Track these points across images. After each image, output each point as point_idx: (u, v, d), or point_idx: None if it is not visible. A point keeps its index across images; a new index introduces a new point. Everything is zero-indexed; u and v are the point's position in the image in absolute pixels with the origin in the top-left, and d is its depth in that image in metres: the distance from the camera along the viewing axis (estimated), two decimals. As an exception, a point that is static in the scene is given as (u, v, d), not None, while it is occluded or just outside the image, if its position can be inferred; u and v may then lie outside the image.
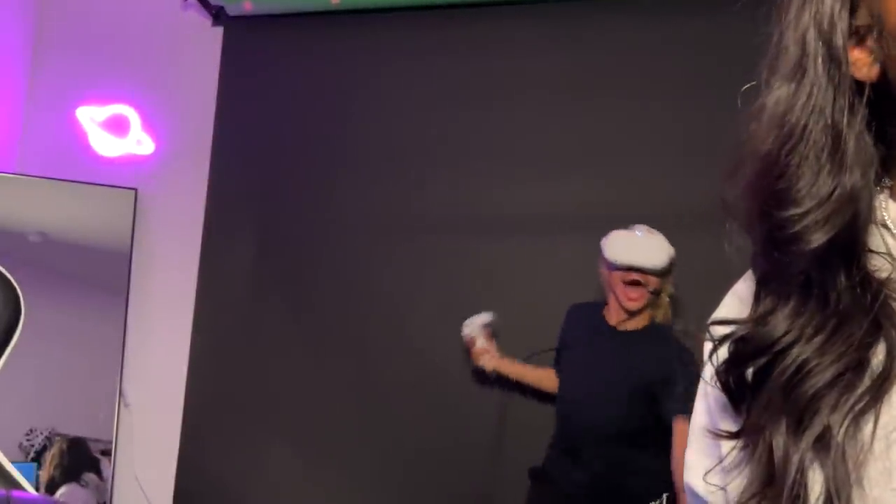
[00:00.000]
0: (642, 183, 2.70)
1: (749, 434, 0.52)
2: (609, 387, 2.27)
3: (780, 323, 0.50)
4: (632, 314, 2.30)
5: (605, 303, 2.42)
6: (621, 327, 2.33)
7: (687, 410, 2.07)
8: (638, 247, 2.27)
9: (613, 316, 2.35)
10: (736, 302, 0.59)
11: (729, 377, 0.53)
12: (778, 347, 0.49)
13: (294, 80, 3.16)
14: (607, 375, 2.29)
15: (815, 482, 0.47)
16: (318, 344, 2.97)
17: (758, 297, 0.53)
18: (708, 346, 0.59)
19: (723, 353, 0.54)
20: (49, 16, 3.47)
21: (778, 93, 0.52)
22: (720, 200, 0.55)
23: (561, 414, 2.42)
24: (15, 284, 1.39)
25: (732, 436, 0.53)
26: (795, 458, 0.48)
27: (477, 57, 2.96)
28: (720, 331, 0.55)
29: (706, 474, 0.58)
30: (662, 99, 2.75)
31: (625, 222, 2.48)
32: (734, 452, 0.54)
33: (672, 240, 2.37)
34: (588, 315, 2.45)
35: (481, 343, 2.60)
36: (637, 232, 2.31)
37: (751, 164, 0.52)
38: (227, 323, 3.08)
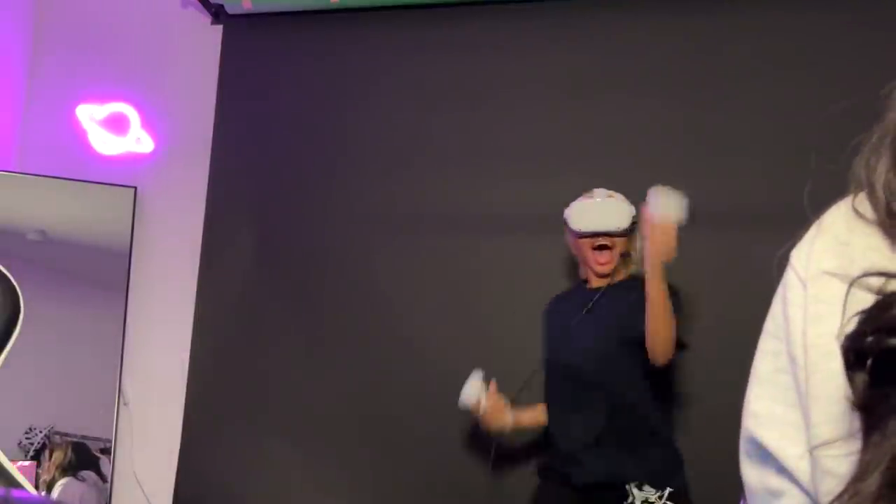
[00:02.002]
0: (643, 182, 2.69)
1: (873, 418, 0.45)
2: (590, 335, 2.28)
3: None
4: (605, 277, 2.35)
5: (582, 280, 2.46)
6: (595, 286, 2.37)
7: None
8: (600, 212, 2.32)
9: (591, 282, 2.39)
10: (837, 246, 0.52)
11: (858, 344, 0.45)
12: None
13: (293, 79, 3.15)
14: (586, 327, 2.30)
15: None
16: (318, 342, 2.97)
17: None
18: (800, 295, 0.53)
19: (856, 316, 0.46)
20: (48, 14, 3.47)
21: None
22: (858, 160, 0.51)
23: (549, 374, 2.40)
24: (14, 283, 1.38)
25: (859, 408, 0.46)
26: None
27: (477, 56, 2.96)
28: (877, 284, 0.46)
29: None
30: (664, 98, 2.75)
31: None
32: (832, 422, 0.48)
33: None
34: (567, 292, 2.50)
35: (488, 402, 2.39)
36: (597, 198, 2.36)
37: None
38: (226, 320, 3.08)
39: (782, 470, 0.53)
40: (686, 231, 2.36)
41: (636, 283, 2.27)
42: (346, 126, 3.07)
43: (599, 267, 2.33)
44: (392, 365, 2.87)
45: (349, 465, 2.86)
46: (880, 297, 0.45)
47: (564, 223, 2.40)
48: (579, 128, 2.81)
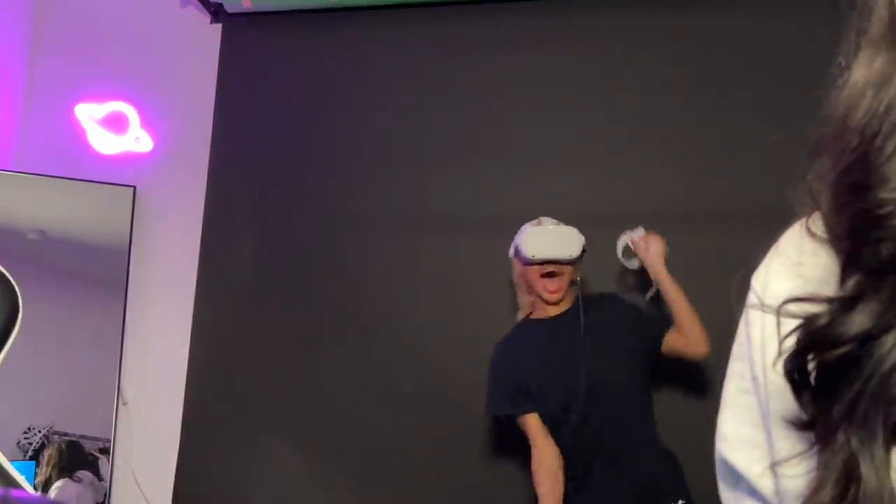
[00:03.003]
0: (644, 181, 2.69)
1: (822, 434, 0.46)
2: (608, 354, 2.24)
3: (867, 314, 0.44)
4: (553, 305, 2.33)
5: (519, 322, 2.42)
6: (552, 314, 2.33)
7: (670, 324, 2.13)
8: (552, 240, 2.32)
9: (539, 312, 2.36)
10: (791, 267, 0.54)
11: (797, 365, 0.47)
12: (864, 338, 0.44)
13: (292, 78, 3.15)
14: (580, 354, 2.24)
15: None
16: (317, 341, 2.96)
17: (843, 278, 0.47)
18: (758, 316, 0.55)
19: (791, 338, 0.47)
20: (48, 13, 3.47)
21: (871, 63, 0.47)
22: (804, 182, 0.51)
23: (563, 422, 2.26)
24: (13, 282, 1.38)
25: (804, 426, 0.48)
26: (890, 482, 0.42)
27: (476, 54, 2.96)
28: (796, 310, 0.48)
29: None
30: (663, 97, 2.74)
31: (625, 220, 2.48)
32: (790, 441, 0.50)
33: (669, 238, 2.36)
34: (521, 335, 2.39)
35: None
36: (548, 225, 2.35)
37: (839, 141, 0.47)
38: (226, 320, 3.07)
39: (753, 491, 0.54)
40: (687, 231, 2.36)
41: (594, 300, 2.33)
42: (346, 125, 3.06)
43: (548, 294, 2.30)
44: (392, 364, 2.87)
45: (349, 465, 2.86)
46: (803, 320, 0.47)
47: (514, 251, 2.37)
48: (583, 128, 2.81)
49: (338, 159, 3.05)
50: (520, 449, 2.64)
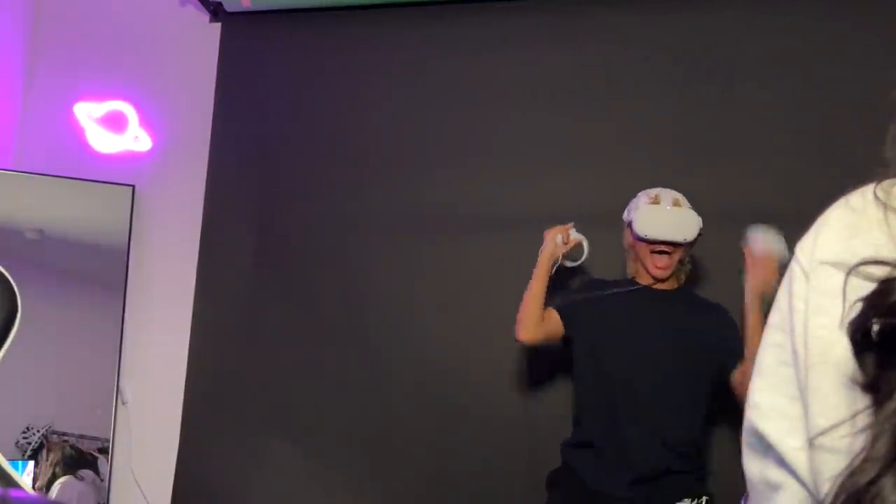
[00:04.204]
0: (644, 180, 2.68)
1: (881, 393, 0.46)
2: (667, 344, 2.21)
3: None
4: (659, 281, 2.30)
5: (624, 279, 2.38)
6: (656, 287, 2.31)
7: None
8: (668, 221, 2.26)
9: (643, 278, 2.33)
10: (841, 238, 0.53)
11: (861, 326, 0.47)
12: None
13: (292, 77, 3.15)
14: (662, 331, 2.23)
15: None
16: (316, 341, 2.96)
17: None
18: (802, 286, 0.54)
19: (859, 301, 0.47)
20: (47, 12, 3.46)
21: None
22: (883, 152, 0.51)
23: (609, 373, 2.25)
24: (12, 281, 1.37)
25: (863, 387, 0.47)
26: None
27: (476, 54, 2.95)
28: (876, 272, 0.47)
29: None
30: (665, 97, 2.74)
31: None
32: (832, 412, 0.49)
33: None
34: (613, 280, 2.38)
35: (567, 236, 2.43)
36: (666, 205, 2.28)
37: None
38: (225, 319, 3.07)
39: (782, 462, 0.54)
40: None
41: (698, 298, 2.34)
42: (345, 124, 3.06)
43: (658, 271, 2.27)
44: (391, 364, 2.86)
45: (348, 465, 2.86)
46: (880, 284, 0.46)
47: (627, 223, 2.34)
48: (583, 127, 2.80)
49: (337, 158, 3.04)
50: (521, 450, 2.63)
